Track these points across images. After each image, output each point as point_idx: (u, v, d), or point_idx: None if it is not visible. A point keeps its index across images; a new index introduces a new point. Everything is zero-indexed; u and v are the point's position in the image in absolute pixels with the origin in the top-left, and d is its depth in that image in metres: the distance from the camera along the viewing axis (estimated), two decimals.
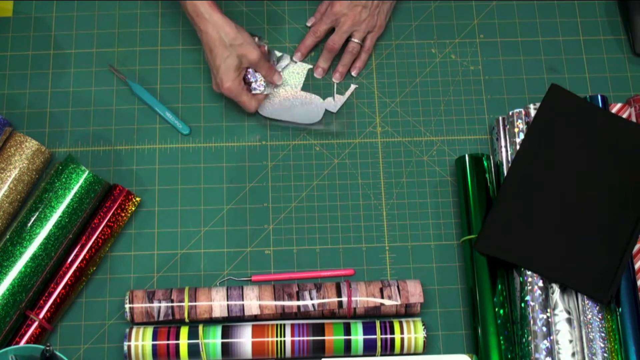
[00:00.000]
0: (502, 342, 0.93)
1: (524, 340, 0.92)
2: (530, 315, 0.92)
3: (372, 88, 1.09)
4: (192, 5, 0.98)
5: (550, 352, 0.91)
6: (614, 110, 1.04)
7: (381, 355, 0.95)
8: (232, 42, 0.98)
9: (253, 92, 1.02)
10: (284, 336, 0.93)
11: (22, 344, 0.93)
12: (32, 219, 0.95)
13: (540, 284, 0.94)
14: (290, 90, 1.07)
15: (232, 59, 0.99)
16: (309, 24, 1.11)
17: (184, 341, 0.93)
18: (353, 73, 1.08)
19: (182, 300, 0.94)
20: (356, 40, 1.07)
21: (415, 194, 1.04)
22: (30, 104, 1.06)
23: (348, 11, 1.07)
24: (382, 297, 0.95)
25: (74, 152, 1.04)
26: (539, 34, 1.12)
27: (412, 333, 0.94)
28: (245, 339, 0.93)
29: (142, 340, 0.93)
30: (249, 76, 1.02)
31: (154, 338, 0.93)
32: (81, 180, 0.96)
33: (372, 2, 1.06)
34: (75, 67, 1.08)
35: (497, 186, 1.01)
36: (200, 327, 0.94)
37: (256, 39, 1.03)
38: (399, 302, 0.95)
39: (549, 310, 0.93)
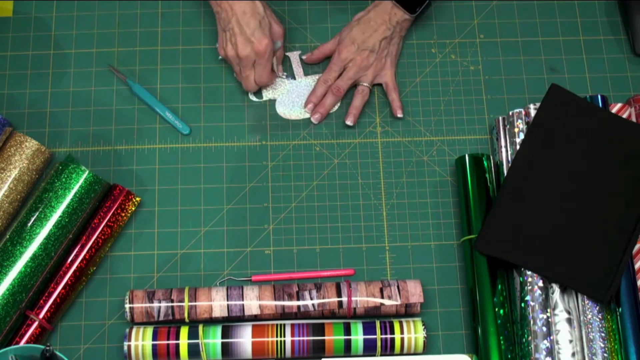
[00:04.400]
0: (502, 342, 0.93)
1: (524, 340, 0.92)
2: (530, 315, 0.92)
3: (372, 88, 1.09)
4: None
5: (550, 352, 0.91)
6: (614, 110, 1.04)
7: (381, 355, 0.95)
8: (264, 7, 1.00)
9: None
10: (284, 336, 0.93)
11: (22, 344, 0.93)
12: (32, 219, 0.95)
13: (540, 284, 0.94)
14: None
15: (266, 21, 1.00)
16: (304, 58, 1.09)
17: (184, 341, 0.93)
18: (399, 115, 1.06)
19: (182, 300, 0.94)
20: (366, 84, 1.06)
21: (415, 194, 1.04)
22: (30, 104, 1.06)
23: (355, 56, 1.05)
24: (382, 297, 0.95)
25: (74, 152, 1.04)
26: (539, 34, 1.12)
27: (412, 333, 0.94)
28: (245, 339, 0.93)
29: (142, 340, 0.93)
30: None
31: (154, 338, 0.93)
32: (81, 180, 0.96)
33: (380, 46, 1.05)
34: (75, 67, 1.08)
35: (497, 186, 1.01)
36: (200, 327, 0.94)
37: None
38: (399, 302, 0.95)
39: (549, 310, 0.93)
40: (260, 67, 1.02)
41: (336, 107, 1.07)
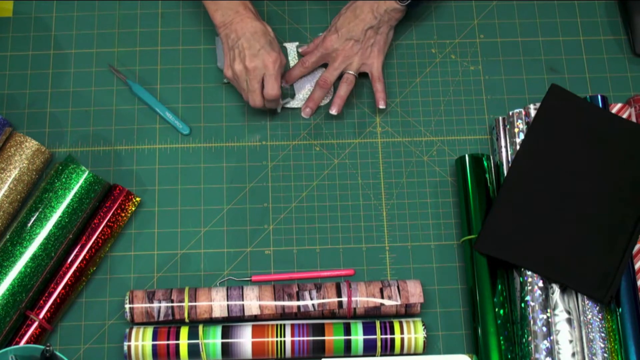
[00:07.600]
0: (502, 342, 0.93)
1: (524, 340, 0.92)
2: (530, 315, 0.92)
3: (372, 88, 1.09)
4: None
5: (550, 352, 0.91)
6: (614, 110, 1.04)
7: (381, 355, 0.95)
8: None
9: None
10: (284, 336, 0.93)
11: (22, 344, 0.93)
12: (32, 219, 0.95)
13: (540, 284, 0.94)
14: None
15: (276, 42, 1.01)
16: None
17: (184, 341, 0.93)
18: (381, 106, 1.05)
19: (182, 301, 0.94)
20: (351, 72, 1.05)
21: (415, 194, 1.04)
22: (30, 104, 1.06)
23: (339, 46, 1.04)
24: (382, 297, 0.95)
25: (74, 152, 1.04)
26: (539, 34, 1.12)
27: (412, 333, 0.94)
28: (245, 339, 0.93)
29: (142, 341, 0.93)
30: None
31: (154, 338, 0.93)
32: (81, 181, 0.96)
33: (365, 35, 1.04)
34: (75, 67, 1.08)
35: (497, 186, 1.01)
36: (200, 327, 0.94)
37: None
38: (399, 302, 0.95)
39: (549, 310, 0.93)
40: (272, 79, 0.99)
41: (327, 100, 1.07)
